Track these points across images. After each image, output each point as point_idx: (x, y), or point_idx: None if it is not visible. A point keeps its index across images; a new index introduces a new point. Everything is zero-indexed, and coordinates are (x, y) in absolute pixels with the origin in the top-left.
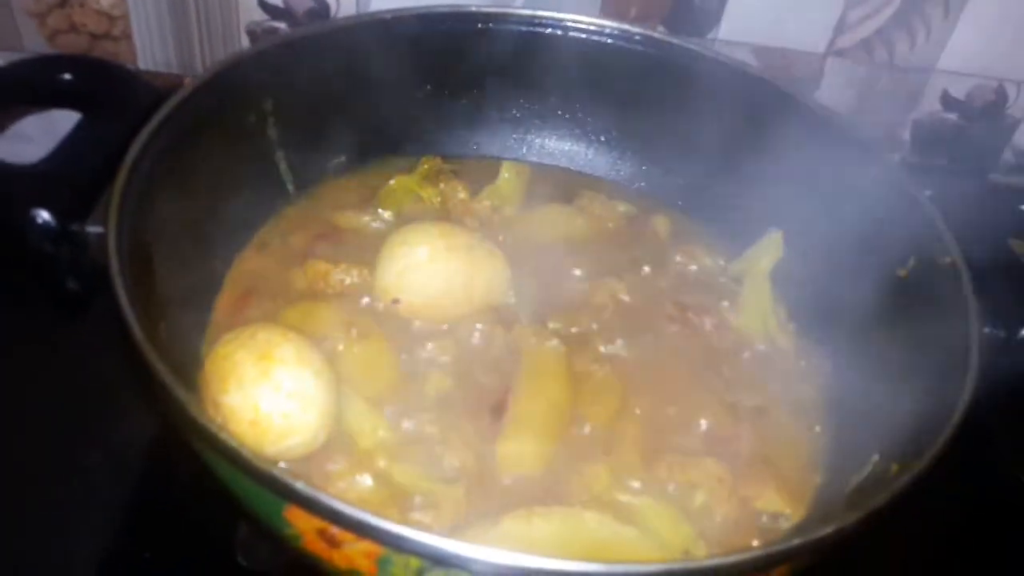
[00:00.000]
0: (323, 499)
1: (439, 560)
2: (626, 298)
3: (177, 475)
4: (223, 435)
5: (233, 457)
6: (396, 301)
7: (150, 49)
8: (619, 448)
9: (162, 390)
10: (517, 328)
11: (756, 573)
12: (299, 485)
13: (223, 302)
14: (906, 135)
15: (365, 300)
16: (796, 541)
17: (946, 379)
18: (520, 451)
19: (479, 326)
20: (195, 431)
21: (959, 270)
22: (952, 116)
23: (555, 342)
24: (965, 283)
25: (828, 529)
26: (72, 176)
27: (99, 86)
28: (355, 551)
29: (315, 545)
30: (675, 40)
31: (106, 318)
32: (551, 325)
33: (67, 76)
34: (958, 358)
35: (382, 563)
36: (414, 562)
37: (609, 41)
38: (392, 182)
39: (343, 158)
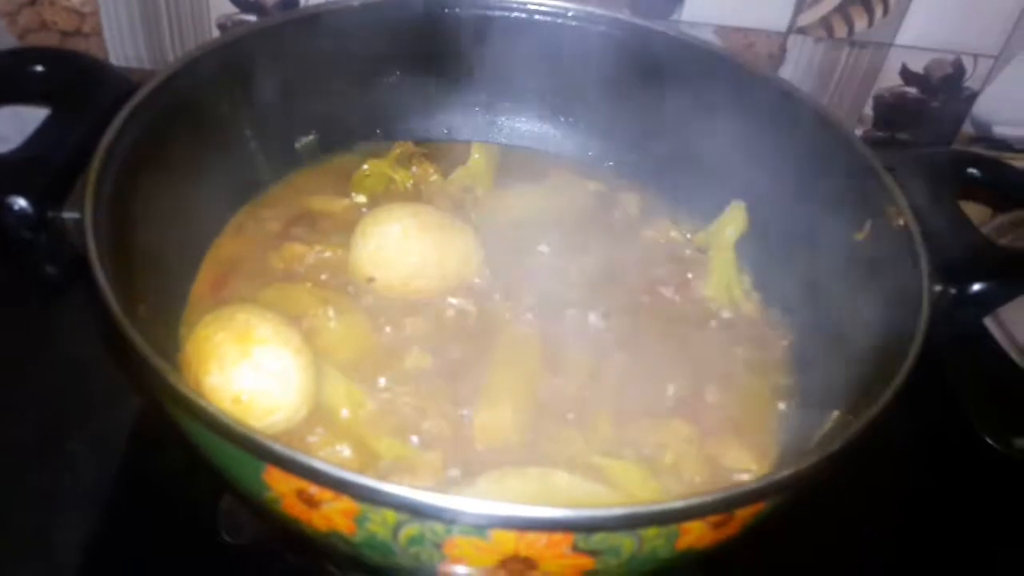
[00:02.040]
0: (299, 457)
1: (414, 511)
2: (596, 272)
3: (160, 457)
4: (201, 402)
5: (211, 422)
6: (371, 280)
7: (121, 45)
8: (591, 414)
9: (142, 363)
10: (490, 304)
11: (715, 517)
12: (276, 445)
13: (201, 284)
14: (868, 110)
15: (340, 279)
16: (752, 485)
17: (899, 334)
18: (497, 420)
19: (453, 301)
20: (175, 400)
21: (911, 231)
22: (912, 90)
23: (528, 316)
24: (917, 243)
25: (784, 474)
26: (47, 164)
27: (70, 77)
28: (333, 510)
29: (294, 508)
30: (638, 21)
31: (85, 305)
32: (524, 300)
33: (38, 68)
34: (910, 313)
35: (360, 521)
36: (391, 517)
37: (574, 23)
38: (365, 167)
39: (316, 145)
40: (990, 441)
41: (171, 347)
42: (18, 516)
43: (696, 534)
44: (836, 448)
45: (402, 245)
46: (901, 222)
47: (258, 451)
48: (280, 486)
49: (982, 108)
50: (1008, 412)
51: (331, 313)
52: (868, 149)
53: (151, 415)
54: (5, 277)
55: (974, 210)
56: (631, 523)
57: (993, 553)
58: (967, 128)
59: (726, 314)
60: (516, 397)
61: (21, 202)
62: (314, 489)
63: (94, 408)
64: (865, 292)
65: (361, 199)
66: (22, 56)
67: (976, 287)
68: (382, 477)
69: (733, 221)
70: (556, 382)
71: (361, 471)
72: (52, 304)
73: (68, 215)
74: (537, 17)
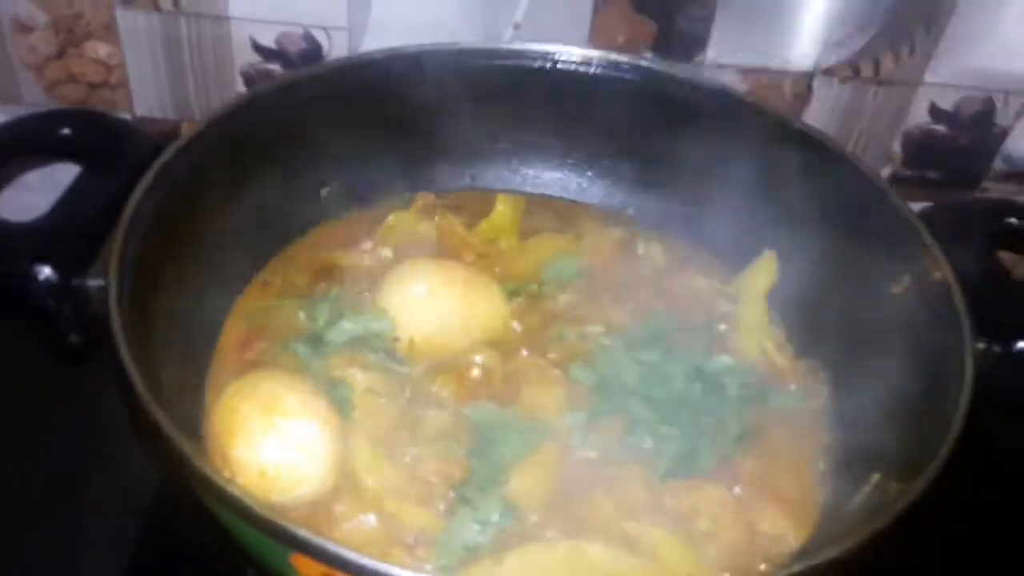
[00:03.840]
0: (328, 546)
1: None
2: (624, 323)
3: (183, 521)
4: (227, 486)
5: (238, 508)
6: (396, 339)
7: (146, 96)
8: (623, 478)
9: (167, 444)
10: (515, 359)
11: None
12: (303, 533)
13: (226, 343)
14: (897, 148)
15: (366, 339)
16: (799, 566)
17: (942, 395)
18: (523, 486)
19: (479, 359)
20: (200, 482)
21: (950, 284)
22: (941, 127)
23: (555, 371)
24: (956, 297)
25: (832, 553)
26: (72, 230)
27: (97, 139)
28: None
29: None
30: (660, 67)
31: (110, 364)
32: (551, 355)
33: (66, 131)
34: (953, 373)
35: None
36: None
37: (597, 71)
38: (390, 219)
39: (340, 198)
40: None
41: (196, 413)
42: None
43: None
44: (883, 524)
45: (426, 304)
46: (939, 275)
47: (286, 539)
48: (308, 570)
49: (1014, 145)
50: None
51: (357, 375)
52: (902, 202)
53: (174, 481)
54: (29, 338)
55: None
56: None
57: None
58: (998, 164)
59: (759, 368)
60: (543, 462)
61: (47, 271)
62: (342, 575)
63: (120, 466)
64: (905, 349)
65: (386, 252)
66: (49, 119)
67: (1021, 344)
68: (411, 550)
69: (764, 271)
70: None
71: (389, 544)
72: (74, 368)
73: (93, 283)
74: (560, 66)
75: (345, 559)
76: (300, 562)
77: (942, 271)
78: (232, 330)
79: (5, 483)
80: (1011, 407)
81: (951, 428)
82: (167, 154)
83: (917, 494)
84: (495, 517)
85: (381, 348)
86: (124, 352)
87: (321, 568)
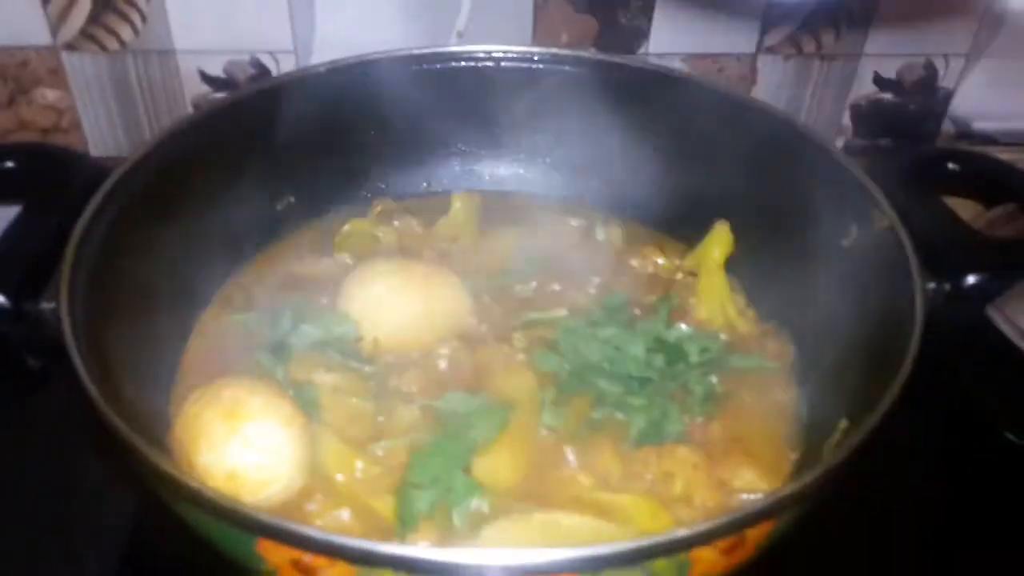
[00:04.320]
0: (288, 526)
1: (411, 568)
2: (587, 306)
3: (164, 540)
4: (188, 481)
5: (198, 500)
6: (359, 339)
7: (100, 136)
8: (594, 450)
9: (128, 447)
10: (482, 349)
11: (724, 542)
12: (263, 516)
13: (190, 358)
14: (847, 120)
15: (329, 342)
16: (756, 506)
17: (896, 336)
18: (495, 466)
19: (444, 351)
20: (162, 482)
21: (897, 231)
22: (888, 96)
23: (521, 357)
24: (905, 242)
25: (786, 491)
26: (22, 257)
27: (42, 169)
28: None
29: None
30: (603, 56)
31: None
32: (516, 343)
33: (9, 164)
34: (905, 314)
35: None
36: None
37: (541, 66)
38: (347, 227)
39: (297, 210)
40: (1010, 436)
41: (161, 425)
42: None
43: (708, 562)
44: (839, 459)
45: (387, 302)
46: (885, 223)
47: (246, 524)
48: (274, 557)
49: (959, 106)
50: None
51: (323, 376)
52: (844, 155)
53: (143, 493)
54: None
55: (966, 208)
56: (637, 556)
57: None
58: (947, 127)
59: (723, 335)
60: (513, 441)
61: None
62: (308, 557)
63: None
64: (860, 298)
65: (346, 258)
66: None
67: (970, 279)
68: (385, 538)
69: (719, 242)
70: (555, 418)
71: (365, 535)
72: (38, 393)
73: (45, 306)
74: (504, 64)
75: (307, 537)
76: (266, 548)
77: (888, 218)
78: (195, 344)
79: None
80: (966, 338)
81: (904, 362)
82: (114, 176)
83: (872, 427)
84: (464, 496)
85: (345, 350)
86: (80, 368)
87: (286, 551)
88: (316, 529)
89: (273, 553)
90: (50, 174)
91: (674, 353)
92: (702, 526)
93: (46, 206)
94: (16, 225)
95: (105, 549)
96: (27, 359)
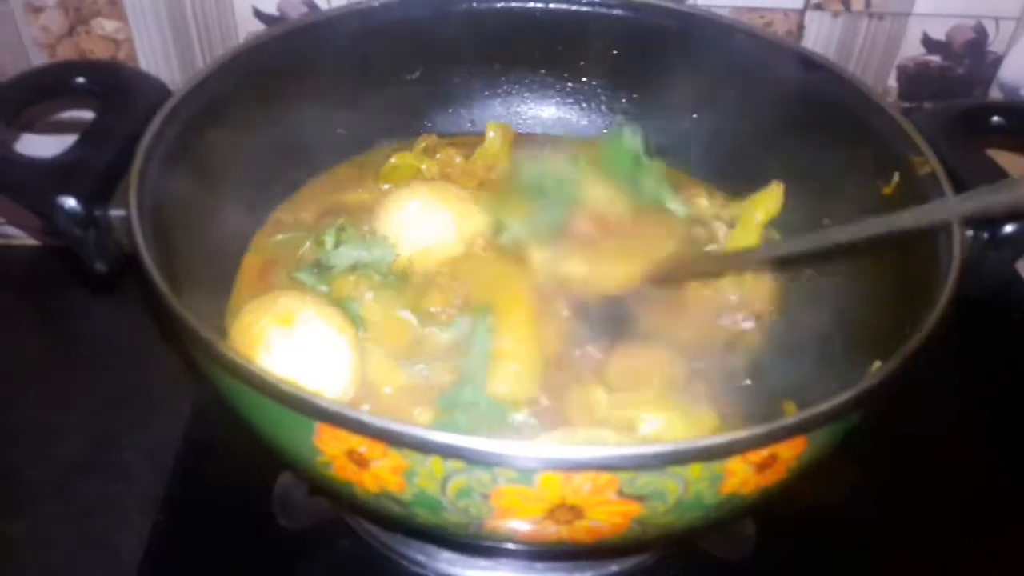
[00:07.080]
0: (350, 412)
1: (461, 456)
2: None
3: (214, 448)
4: (249, 365)
5: (260, 384)
6: (397, 255)
7: (156, 69)
8: (610, 369)
9: (194, 337)
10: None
11: (757, 456)
12: (325, 401)
13: (244, 275)
14: (892, 82)
15: (368, 263)
16: (791, 420)
17: (933, 280)
18: (508, 369)
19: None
20: (223, 366)
21: (938, 178)
22: (936, 58)
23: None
24: (945, 189)
25: (821, 407)
26: (93, 165)
27: (110, 84)
28: (383, 468)
29: (346, 470)
30: (652, 1)
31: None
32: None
33: (80, 80)
34: (944, 259)
35: (408, 476)
36: (438, 469)
37: (588, 9)
38: (393, 159)
39: (345, 143)
40: None
41: (218, 335)
42: (76, 514)
43: (740, 476)
44: (874, 383)
45: (422, 217)
46: (927, 170)
47: (308, 409)
48: (330, 448)
49: (1008, 72)
50: None
51: (366, 293)
52: (888, 103)
53: (205, 409)
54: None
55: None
56: (673, 459)
57: None
58: (994, 93)
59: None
60: (516, 348)
61: (71, 202)
62: (363, 447)
63: (149, 407)
64: (898, 246)
65: (390, 189)
66: (64, 68)
67: (1008, 229)
68: None
69: (767, 201)
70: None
71: None
72: (101, 297)
73: (115, 212)
74: (552, 5)
75: (365, 423)
76: (323, 438)
77: (930, 164)
78: (250, 262)
79: None
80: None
81: (940, 301)
82: (180, 92)
83: (906, 356)
84: (492, 416)
85: (382, 270)
86: (148, 262)
87: (343, 440)
88: (374, 415)
89: (330, 443)
90: (120, 90)
91: None
92: (741, 433)
93: (113, 119)
94: (86, 137)
95: (157, 461)
96: (96, 263)
